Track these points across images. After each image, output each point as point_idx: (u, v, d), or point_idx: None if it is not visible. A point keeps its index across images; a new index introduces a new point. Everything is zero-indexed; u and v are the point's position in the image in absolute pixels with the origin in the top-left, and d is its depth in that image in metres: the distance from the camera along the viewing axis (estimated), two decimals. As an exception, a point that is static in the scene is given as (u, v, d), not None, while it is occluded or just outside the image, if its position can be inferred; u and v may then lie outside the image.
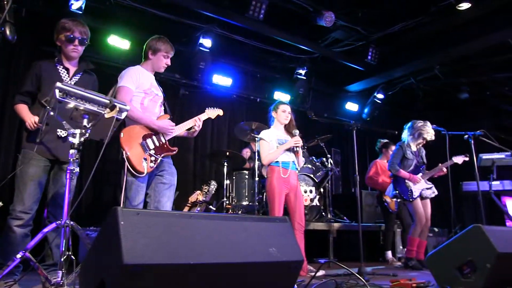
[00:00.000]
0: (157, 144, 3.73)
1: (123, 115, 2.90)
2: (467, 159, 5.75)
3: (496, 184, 6.49)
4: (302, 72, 8.19)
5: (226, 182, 6.56)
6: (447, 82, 9.06)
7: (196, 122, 4.02)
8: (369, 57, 7.73)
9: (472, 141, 5.33)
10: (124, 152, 3.49)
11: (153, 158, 3.65)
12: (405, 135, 5.84)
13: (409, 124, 5.84)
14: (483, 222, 4.93)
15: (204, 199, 5.99)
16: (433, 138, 5.72)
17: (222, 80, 7.66)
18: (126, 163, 3.46)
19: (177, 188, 6.42)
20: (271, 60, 8.22)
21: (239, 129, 6.75)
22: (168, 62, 4.01)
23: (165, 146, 3.80)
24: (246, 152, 7.13)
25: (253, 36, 7.25)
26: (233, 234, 1.92)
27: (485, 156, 6.43)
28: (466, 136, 5.40)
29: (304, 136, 7.18)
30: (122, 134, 3.54)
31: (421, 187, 5.63)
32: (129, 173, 3.51)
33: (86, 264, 1.96)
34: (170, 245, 1.74)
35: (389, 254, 6.66)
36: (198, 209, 5.92)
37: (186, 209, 6.01)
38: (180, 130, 3.95)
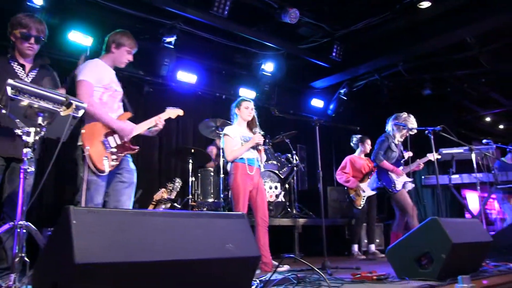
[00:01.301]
0: (119, 142, 3.67)
1: (80, 112, 2.84)
2: (439, 157, 5.89)
3: (455, 178, 6.63)
4: (268, 68, 8.19)
5: (192, 179, 6.52)
6: (410, 79, 9.24)
7: (157, 121, 3.96)
8: (334, 54, 7.81)
9: (432, 136, 5.44)
10: (85, 149, 3.41)
11: (114, 157, 3.58)
12: (390, 127, 5.91)
13: (393, 116, 5.93)
14: (443, 215, 5.05)
15: (169, 196, 5.94)
16: (415, 131, 5.82)
17: (186, 77, 7.60)
18: (88, 160, 3.39)
19: (142, 186, 6.42)
20: (236, 57, 8.21)
21: (204, 126, 6.73)
22: (131, 58, 3.95)
23: (127, 144, 3.73)
24: (212, 150, 7.10)
25: (218, 33, 7.21)
26: (188, 231, 1.91)
27: (445, 150, 6.58)
28: (426, 131, 5.51)
29: (270, 132, 7.23)
30: (83, 130, 3.47)
31: (404, 179, 5.73)
32: (90, 171, 3.44)
33: (39, 265, 1.92)
34: (124, 243, 1.71)
35: (355, 248, 6.73)
36: (163, 207, 5.88)
37: (151, 207, 5.95)
38: (141, 129, 3.87)
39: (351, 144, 7.28)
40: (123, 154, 3.68)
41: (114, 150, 3.61)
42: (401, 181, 5.70)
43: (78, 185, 3.48)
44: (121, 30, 3.95)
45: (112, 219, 1.76)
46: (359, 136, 7.16)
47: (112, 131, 3.65)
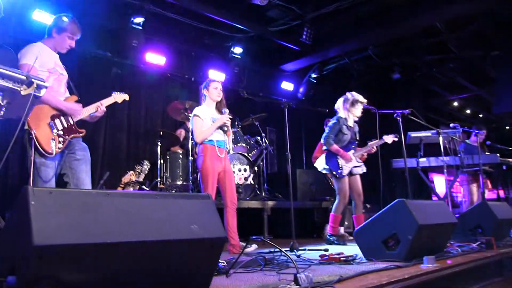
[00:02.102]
0: (65, 125, 3.65)
1: (42, 92, 2.74)
2: (396, 138, 5.88)
3: (423, 161, 6.72)
4: (237, 51, 8.12)
5: (160, 162, 6.45)
6: (380, 63, 9.31)
7: (98, 107, 3.90)
8: (304, 37, 7.77)
9: (400, 119, 5.47)
10: (32, 132, 3.38)
11: (61, 139, 3.58)
12: (341, 109, 5.84)
13: (341, 100, 5.86)
14: (411, 198, 5.11)
15: (137, 179, 5.86)
16: (365, 100, 5.78)
17: (155, 58, 7.45)
18: (34, 143, 3.36)
19: (110, 168, 6.34)
20: (206, 39, 8.08)
21: (173, 108, 6.64)
22: (73, 44, 3.85)
23: (73, 127, 3.72)
24: (181, 132, 7.02)
25: (187, 14, 7.09)
26: (153, 212, 1.87)
27: (413, 134, 6.65)
28: (395, 114, 5.53)
29: (239, 115, 7.18)
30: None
31: (352, 164, 5.67)
32: (38, 153, 3.43)
33: (-3, 248, 1.85)
34: (85, 224, 1.66)
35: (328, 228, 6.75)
36: (131, 189, 5.80)
37: (119, 189, 5.87)
38: (84, 114, 3.82)
39: (324, 127, 7.27)
40: (69, 137, 3.67)
41: (61, 132, 3.61)
42: (349, 166, 5.63)
43: (29, 169, 3.43)
44: (65, 14, 3.85)
45: (73, 200, 1.71)
46: (331, 119, 7.15)
47: (58, 114, 3.63)
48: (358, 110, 5.75)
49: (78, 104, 3.75)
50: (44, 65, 3.62)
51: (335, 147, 5.62)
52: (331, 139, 5.64)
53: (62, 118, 3.63)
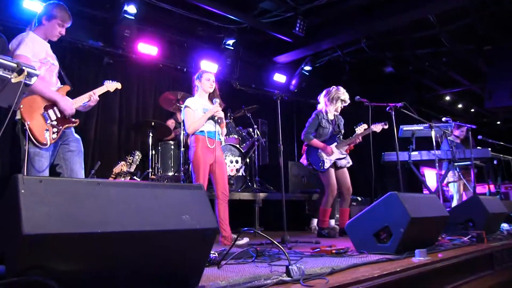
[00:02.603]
0: (59, 115, 3.63)
1: (33, 80, 2.70)
2: (386, 127, 5.85)
3: (415, 155, 6.74)
4: (230, 42, 8.08)
5: (152, 152, 6.42)
6: (373, 56, 9.30)
7: (91, 97, 3.87)
8: (297, 29, 7.74)
9: (393, 113, 5.47)
10: (26, 123, 3.36)
11: (55, 129, 3.56)
12: (322, 102, 5.84)
13: (324, 92, 5.85)
14: (402, 191, 5.11)
15: (128, 169, 5.83)
16: (349, 100, 5.77)
17: (147, 49, 7.39)
18: (28, 133, 3.34)
19: (101, 159, 6.28)
20: (198, 30, 8.03)
21: (165, 99, 6.60)
22: (63, 31, 3.79)
23: (67, 117, 3.69)
24: (171, 123, 6.99)
25: (180, 4, 7.03)
26: (144, 201, 1.84)
27: (405, 127, 6.66)
28: (388, 107, 5.52)
29: (231, 106, 7.15)
30: (21, 105, 3.37)
31: (334, 157, 5.64)
32: (32, 144, 3.41)
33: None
34: (75, 213, 1.64)
35: (315, 222, 6.76)
36: (122, 179, 5.76)
37: (110, 180, 5.83)
38: (77, 103, 3.79)
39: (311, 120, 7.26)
40: (63, 127, 3.65)
41: (55, 123, 3.58)
42: (331, 159, 5.62)
43: (22, 159, 3.43)
44: (55, 1, 3.78)
45: (64, 189, 1.68)
46: None
47: (51, 104, 3.60)
48: (336, 107, 5.75)
49: (71, 103, 3.71)
50: (36, 55, 3.59)
51: (315, 141, 5.62)
52: (310, 134, 5.66)
53: (55, 108, 3.60)
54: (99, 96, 3.95)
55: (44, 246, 1.54)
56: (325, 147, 5.58)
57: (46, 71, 3.67)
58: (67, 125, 3.68)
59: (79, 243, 1.62)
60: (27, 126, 3.35)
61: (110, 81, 4.17)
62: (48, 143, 3.47)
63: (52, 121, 3.55)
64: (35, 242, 1.51)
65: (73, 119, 3.73)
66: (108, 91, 4.13)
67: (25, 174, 3.34)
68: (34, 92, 3.46)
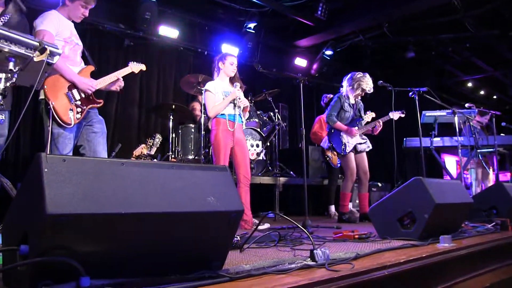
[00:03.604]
0: (83, 95, 3.62)
1: (55, 59, 2.67)
2: (403, 115, 5.81)
3: (437, 141, 6.66)
4: (252, 25, 8.02)
5: (172, 135, 6.43)
6: (394, 41, 9.16)
7: (118, 76, 3.88)
8: (319, 12, 7.65)
9: (417, 97, 5.39)
10: (50, 103, 3.35)
11: (79, 110, 3.55)
12: (344, 86, 5.80)
13: (348, 75, 5.79)
14: (424, 176, 5.05)
15: (148, 152, 5.85)
16: (372, 90, 5.71)
17: (168, 31, 7.38)
18: (52, 113, 3.34)
19: (121, 141, 6.30)
20: (220, 13, 7.99)
21: (185, 82, 6.58)
22: (86, 13, 3.75)
23: (91, 97, 3.69)
24: (194, 106, 6.98)
25: (201, -14, 7.00)
26: (168, 182, 1.81)
27: (428, 113, 6.56)
28: (411, 92, 5.44)
29: (252, 90, 7.12)
30: (45, 85, 3.37)
31: (355, 141, 5.60)
32: (56, 124, 3.41)
33: (9, 217, 1.81)
34: (99, 193, 1.61)
35: (332, 208, 6.76)
36: (142, 162, 5.79)
37: (130, 162, 5.86)
38: (101, 84, 3.77)
39: (321, 103, 7.23)
40: (87, 107, 3.64)
41: (79, 102, 3.58)
42: (353, 143, 5.58)
43: (45, 139, 3.43)
44: None
45: (87, 168, 1.65)
46: (330, 95, 7.08)
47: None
48: (356, 94, 5.70)
49: (92, 81, 3.70)
50: (60, 34, 3.57)
51: (338, 124, 5.59)
52: (333, 117, 5.61)
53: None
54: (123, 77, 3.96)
55: (67, 226, 1.51)
56: (349, 130, 5.55)
57: (70, 50, 3.66)
58: (91, 106, 3.67)
59: (103, 224, 1.59)
60: (51, 106, 3.34)
61: (135, 62, 4.16)
62: (72, 123, 3.46)
63: (76, 101, 3.54)
64: (59, 222, 1.48)
65: (98, 100, 3.72)
66: (132, 72, 4.12)
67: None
68: (56, 70, 3.45)
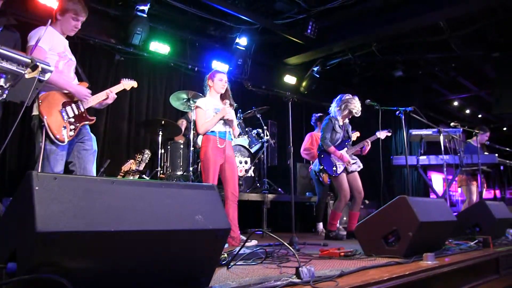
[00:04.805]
0: (76, 112, 3.64)
1: (47, 76, 2.70)
2: (389, 134, 5.91)
3: (423, 159, 6.76)
4: (242, 42, 8.11)
5: (161, 151, 6.45)
6: (383, 60, 9.30)
7: (108, 95, 3.89)
8: (309, 31, 7.77)
9: (403, 117, 5.48)
10: (43, 119, 3.36)
11: (72, 127, 3.56)
12: (333, 107, 5.88)
13: (337, 97, 5.89)
14: (410, 194, 5.13)
15: (137, 168, 5.88)
16: (359, 113, 5.80)
17: (159, 47, 7.44)
18: (46, 130, 3.34)
19: (110, 156, 6.32)
20: (210, 29, 8.08)
21: (175, 97, 6.62)
22: (78, 25, 3.75)
23: (84, 114, 3.71)
24: (182, 123, 7.02)
25: (193, 4, 7.07)
26: (157, 200, 1.85)
27: (414, 132, 6.67)
28: (398, 111, 5.54)
29: (242, 107, 7.18)
30: (40, 101, 3.39)
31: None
32: (49, 140, 3.40)
33: (-1, 233, 1.84)
34: (89, 211, 1.63)
35: (320, 225, 6.80)
36: (131, 178, 5.81)
37: (118, 178, 5.87)
38: (94, 101, 3.80)
39: (311, 123, 7.33)
40: (80, 124, 3.66)
41: (72, 120, 3.59)
42: (343, 164, 5.66)
43: (36, 156, 3.42)
44: None
45: (78, 187, 1.68)
46: (319, 115, 7.20)
47: (69, 101, 3.60)
48: (343, 115, 5.79)
49: (87, 89, 3.73)
50: (54, 48, 3.59)
51: (333, 148, 5.66)
52: (327, 140, 5.67)
53: (73, 105, 3.62)
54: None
55: (57, 244, 1.53)
56: (342, 156, 5.62)
57: (64, 65, 3.67)
58: (84, 123, 3.69)
59: (93, 242, 1.61)
60: (45, 122, 3.34)
61: (127, 79, 4.19)
62: (66, 140, 3.47)
63: (69, 118, 3.55)
64: (48, 239, 1.50)
65: (90, 117, 3.75)
66: (124, 89, 4.16)
67: (39, 171, 3.34)
68: (49, 82, 3.42)
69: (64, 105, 3.55)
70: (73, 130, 3.56)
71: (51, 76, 3.36)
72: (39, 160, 3.35)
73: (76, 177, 1.80)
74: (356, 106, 5.75)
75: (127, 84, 4.17)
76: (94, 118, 3.80)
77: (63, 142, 3.44)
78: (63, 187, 1.64)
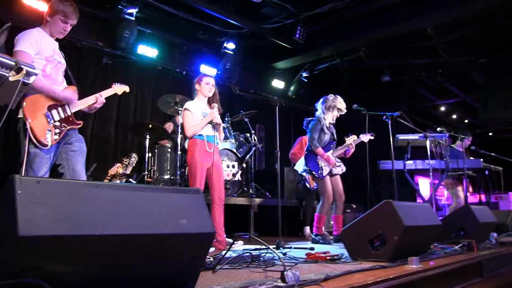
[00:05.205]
0: (63, 116, 3.56)
1: (32, 79, 2.67)
2: (373, 137, 5.94)
3: (410, 164, 6.81)
4: (230, 47, 8.13)
5: (148, 155, 6.43)
6: (370, 65, 9.37)
7: (98, 99, 3.81)
8: (297, 35, 7.80)
9: (390, 122, 5.52)
10: (27, 123, 3.29)
11: (57, 130, 3.49)
12: (320, 110, 5.88)
13: (321, 99, 5.89)
14: (397, 199, 5.16)
15: (124, 172, 5.84)
16: (345, 110, 5.83)
17: (147, 50, 7.43)
18: (29, 134, 3.28)
19: (97, 160, 6.28)
20: (199, 33, 8.08)
21: (163, 101, 6.61)
22: (67, 28, 3.65)
23: (71, 118, 3.63)
24: (169, 126, 7.00)
25: (181, 8, 7.08)
26: (141, 204, 1.85)
27: (401, 136, 6.72)
28: (384, 116, 5.58)
29: (230, 111, 7.19)
30: (24, 103, 3.32)
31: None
32: (32, 144, 3.34)
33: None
34: (73, 215, 1.62)
35: (307, 229, 6.81)
36: (118, 181, 5.78)
37: (105, 182, 5.85)
38: (81, 105, 3.73)
39: (303, 127, 7.33)
40: (66, 128, 3.59)
41: (58, 123, 3.51)
42: (329, 166, 5.66)
43: (22, 159, 3.36)
44: None
45: (61, 190, 1.67)
46: (310, 119, 7.20)
47: (55, 104, 3.53)
48: (333, 115, 5.80)
49: (74, 93, 3.65)
50: (42, 52, 3.51)
51: (320, 150, 5.65)
52: (315, 141, 5.66)
53: (59, 109, 3.54)
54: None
55: (40, 248, 1.53)
56: (328, 159, 5.62)
57: (52, 69, 3.60)
58: (70, 127, 3.63)
59: (76, 245, 1.60)
60: (28, 125, 3.28)
61: (118, 84, 4.11)
62: (49, 144, 3.40)
63: (55, 121, 3.48)
64: (31, 243, 1.50)
65: (77, 121, 3.68)
66: (115, 94, 4.09)
67: (23, 175, 3.30)
68: (34, 88, 3.37)
69: (50, 108, 3.48)
70: (58, 134, 3.49)
71: (36, 81, 3.32)
72: (23, 164, 3.30)
73: (60, 181, 1.79)
74: (342, 103, 5.78)
75: (119, 88, 4.10)
76: (81, 122, 3.73)
77: (46, 146, 3.37)
78: (47, 191, 1.63)
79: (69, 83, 3.84)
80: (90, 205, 1.70)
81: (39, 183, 1.64)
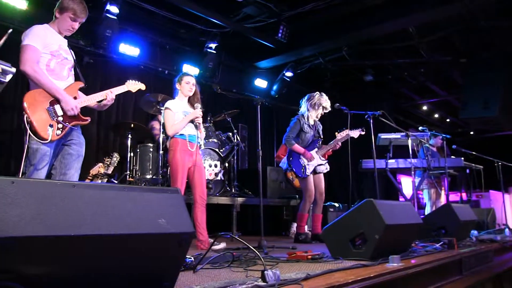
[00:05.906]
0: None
1: (8, 77, 2.64)
2: (363, 133, 5.93)
3: (392, 163, 6.86)
4: (213, 46, 8.11)
5: (130, 155, 6.38)
6: (353, 64, 9.42)
7: (108, 95, 3.76)
8: (280, 35, 7.80)
9: (371, 121, 5.54)
10: (26, 117, 3.21)
11: (60, 126, 3.38)
12: (304, 108, 5.87)
13: (306, 97, 5.87)
14: (379, 198, 5.19)
15: (105, 171, 5.79)
16: (330, 108, 5.82)
17: (129, 49, 7.36)
18: (30, 127, 3.20)
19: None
20: (181, 32, 8.04)
21: (145, 101, 6.56)
22: (75, 26, 3.63)
23: (77, 114, 3.54)
24: (153, 125, 6.95)
25: (163, 6, 7.03)
26: (119, 204, 1.82)
27: (383, 135, 6.76)
28: (366, 115, 5.61)
29: (212, 110, 7.17)
30: (25, 99, 3.26)
31: (315, 163, 5.68)
32: (32, 139, 3.25)
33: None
34: (48, 216, 1.60)
35: (294, 226, 6.78)
36: (99, 181, 5.72)
37: (86, 181, 5.78)
38: (89, 101, 3.66)
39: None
40: (70, 124, 3.47)
41: (60, 118, 3.40)
42: (313, 165, 5.65)
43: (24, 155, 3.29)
44: None
45: (37, 191, 1.64)
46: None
47: (58, 99, 3.44)
48: (318, 113, 5.79)
49: (75, 102, 3.52)
50: (48, 47, 3.47)
51: (296, 146, 5.64)
52: (291, 139, 5.66)
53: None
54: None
55: (14, 249, 1.50)
56: (306, 153, 5.61)
57: (57, 64, 3.53)
58: (75, 122, 3.52)
59: (51, 246, 1.58)
60: (26, 120, 3.20)
61: (133, 81, 4.04)
62: (49, 138, 3.28)
63: (58, 116, 3.38)
64: (4, 245, 1.47)
65: (84, 117, 3.57)
66: (129, 91, 4.01)
67: (21, 171, 3.21)
68: (40, 86, 3.34)
69: (52, 103, 3.39)
70: (60, 130, 3.38)
71: (40, 77, 3.31)
72: (22, 159, 3.21)
73: (36, 181, 1.76)
74: (327, 100, 5.77)
75: (133, 86, 4.04)
76: (88, 118, 3.62)
77: (46, 140, 3.27)
78: (21, 191, 1.60)
79: (76, 79, 3.76)
80: (66, 206, 1.68)
81: (14, 183, 1.60)
